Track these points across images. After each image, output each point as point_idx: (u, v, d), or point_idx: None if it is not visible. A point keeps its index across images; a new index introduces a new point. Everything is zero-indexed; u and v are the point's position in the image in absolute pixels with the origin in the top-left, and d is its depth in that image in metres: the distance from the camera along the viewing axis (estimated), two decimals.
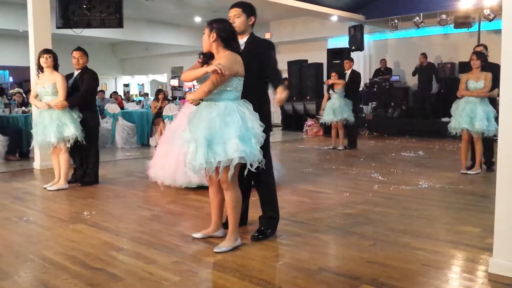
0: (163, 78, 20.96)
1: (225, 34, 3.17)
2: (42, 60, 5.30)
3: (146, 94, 18.03)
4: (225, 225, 3.48)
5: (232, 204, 3.24)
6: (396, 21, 11.59)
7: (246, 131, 3.04)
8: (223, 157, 3.00)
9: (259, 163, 3.11)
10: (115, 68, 21.38)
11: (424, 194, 5.08)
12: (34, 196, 5.20)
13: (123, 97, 16.33)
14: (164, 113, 9.82)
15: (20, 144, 7.84)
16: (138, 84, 22.00)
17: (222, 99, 3.11)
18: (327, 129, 10.62)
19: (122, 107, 10.86)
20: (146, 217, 4.23)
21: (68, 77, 5.58)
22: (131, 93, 19.73)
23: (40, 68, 5.35)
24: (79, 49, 5.68)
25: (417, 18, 11.22)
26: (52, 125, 5.17)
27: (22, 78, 20.73)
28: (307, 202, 4.74)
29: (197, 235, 3.47)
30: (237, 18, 3.39)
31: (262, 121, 3.19)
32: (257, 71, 3.39)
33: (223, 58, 3.08)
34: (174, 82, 19.79)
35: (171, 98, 12.85)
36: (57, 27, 7.07)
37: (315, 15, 11.68)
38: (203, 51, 3.25)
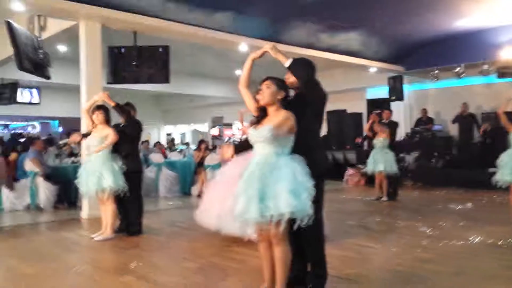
0: (203, 127, 21.46)
1: (287, 95, 3.29)
2: (94, 116, 5.56)
3: (187, 143, 18.41)
4: None
5: (282, 259, 3.20)
6: (436, 71, 11.56)
7: (297, 186, 3.05)
8: (274, 211, 3.01)
9: (311, 218, 3.09)
10: (158, 118, 22.10)
11: (476, 250, 4.86)
12: (82, 246, 5.32)
13: (165, 146, 16.72)
14: (206, 163, 9.98)
15: (69, 194, 8.11)
16: (181, 134, 22.56)
17: (273, 154, 3.15)
18: (369, 178, 10.46)
19: (165, 157, 11.13)
20: (192, 269, 4.23)
21: (115, 127, 5.80)
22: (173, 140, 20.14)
23: (92, 121, 5.61)
24: (126, 104, 5.95)
25: (458, 68, 11.15)
26: (93, 175, 5.35)
27: (71, 128, 21.74)
28: (353, 257, 4.63)
29: None
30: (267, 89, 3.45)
31: (315, 169, 3.20)
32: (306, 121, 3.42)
33: (285, 116, 3.18)
34: (214, 131, 20.23)
35: (211, 147, 13.08)
36: (108, 83, 7.45)
37: (354, 67, 11.81)
38: (261, 104, 3.30)
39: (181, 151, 15.21)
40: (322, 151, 3.65)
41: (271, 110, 3.28)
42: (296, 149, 3.25)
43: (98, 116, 5.53)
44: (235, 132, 20.75)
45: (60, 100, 18.62)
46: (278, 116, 3.20)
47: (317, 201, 3.37)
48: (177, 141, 21.64)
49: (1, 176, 7.74)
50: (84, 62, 7.03)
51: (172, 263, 4.52)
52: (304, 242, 3.53)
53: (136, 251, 5.01)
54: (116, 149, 5.63)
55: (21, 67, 5.76)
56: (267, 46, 3.41)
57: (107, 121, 5.60)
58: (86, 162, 5.58)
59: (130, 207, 5.75)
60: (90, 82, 7.01)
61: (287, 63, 3.37)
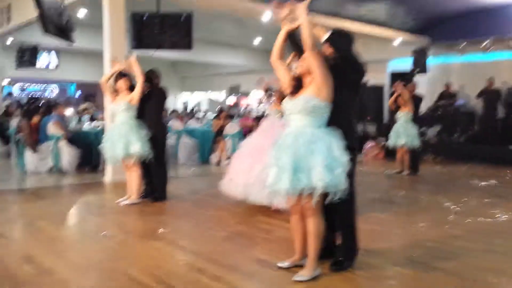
0: (220, 95, 21.36)
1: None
2: (119, 84, 5.51)
3: (205, 112, 18.37)
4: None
5: (315, 233, 3.18)
6: (463, 45, 11.24)
7: (332, 161, 2.99)
8: (306, 184, 2.97)
9: (345, 191, 3.05)
10: (175, 85, 22.02)
11: (505, 228, 4.81)
12: (109, 210, 5.36)
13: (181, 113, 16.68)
14: (225, 132, 9.95)
15: (90, 158, 8.16)
16: (196, 102, 22.49)
17: (309, 126, 3.09)
18: (388, 152, 10.35)
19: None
20: (219, 237, 4.24)
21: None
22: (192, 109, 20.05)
23: (115, 90, 5.56)
24: (150, 71, 5.88)
25: (486, 42, 10.83)
26: (120, 142, 5.34)
27: (88, 92, 21.80)
28: (380, 231, 4.60)
29: (284, 264, 3.41)
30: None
31: (349, 142, 3.15)
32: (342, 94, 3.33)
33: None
34: (231, 100, 20.13)
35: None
36: (131, 48, 7.36)
37: (376, 38, 11.48)
38: (298, 72, 3.25)
39: (198, 118, 15.21)
40: (355, 125, 3.57)
41: (307, 80, 3.19)
42: (331, 122, 3.18)
43: (122, 84, 5.48)
44: (252, 102, 20.64)
45: (78, 64, 18.61)
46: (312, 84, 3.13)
47: (351, 175, 3.34)
48: (190, 108, 21.63)
49: (25, 139, 7.78)
50: (108, 28, 6.94)
51: (200, 230, 4.53)
52: (336, 215, 3.50)
53: (162, 217, 5.05)
54: (141, 115, 5.60)
55: (46, 31, 5.69)
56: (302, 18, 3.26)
57: (131, 88, 5.55)
58: (112, 128, 5.56)
59: (155, 173, 5.76)
60: (113, 48, 6.92)
61: (325, 36, 3.25)
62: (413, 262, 3.67)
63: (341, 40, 3.36)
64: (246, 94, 20.54)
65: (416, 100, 8.99)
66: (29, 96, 21.35)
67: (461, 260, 3.72)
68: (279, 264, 3.41)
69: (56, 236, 4.20)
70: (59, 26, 5.82)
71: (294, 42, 3.38)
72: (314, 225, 3.17)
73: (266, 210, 5.09)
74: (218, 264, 3.48)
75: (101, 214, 5.12)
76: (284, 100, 3.28)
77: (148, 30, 7.32)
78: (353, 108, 3.51)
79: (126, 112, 5.43)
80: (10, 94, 20.49)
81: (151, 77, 5.72)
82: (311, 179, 2.96)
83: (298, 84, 3.22)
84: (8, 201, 5.85)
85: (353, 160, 3.35)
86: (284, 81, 3.32)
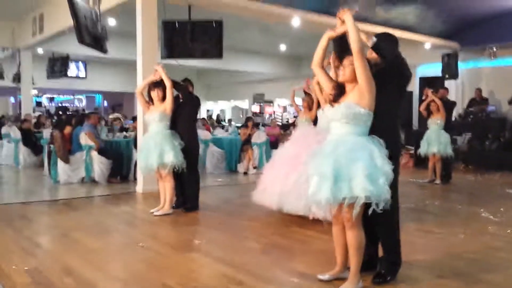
0: (244, 104, 21.39)
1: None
2: (153, 94, 5.53)
3: (230, 120, 18.42)
4: None
5: (355, 245, 3.11)
6: (494, 49, 11.00)
7: (374, 170, 2.93)
8: (348, 194, 2.91)
9: (388, 202, 2.98)
10: (200, 94, 22.16)
11: None
12: (143, 220, 5.37)
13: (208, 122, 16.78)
14: (253, 140, 9.93)
15: (121, 168, 8.23)
16: (220, 110, 22.61)
17: (350, 133, 3.03)
18: (418, 160, 10.15)
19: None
20: (256, 249, 4.21)
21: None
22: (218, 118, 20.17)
23: (150, 99, 5.59)
24: (184, 80, 5.91)
25: None
26: (154, 151, 5.35)
27: (115, 102, 22.16)
28: (420, 242, 4.49)
29: (324, 277, 3.34)
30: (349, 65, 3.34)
31: (393, 151, 3.08)
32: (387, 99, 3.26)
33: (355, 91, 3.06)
34: (255, 108, 20.16)
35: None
36: (162, 57, 7.42)
37: (404, 43, 11.34)
38: (341, 80, 3.21)
39: (223, 127, 15.26)
40: (399, 133, 3.51)
41: (349, 87, 3.14)
42: (375, 129, 3.12)
43: (158, 94, 5.50)
44: (276, 109, 20.64)
45: (105, 74, 18.92)
46: (355, 91, 3.08)
47: (393, 185, 3.26)
48: (215, 117, 21.76)
49: (57, 149, 7.90)
50: (140, 37, 7.00)
51: (234, 241, 4.50)
52: (378, 226, 3.42)
53: (197, 227, 5.04)
54: (175, 125, 5.63)
55: (82, 41, 5.79)
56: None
57: (164, 98, 5.58)
58: (146, 138, 5.59)
59: (187, 183, 5.76)
60: (146, 57, 6.98)
61: (371, 42, 3.20)
62: (456, 274, 3.56)
63: (386, 44, 3.30)
64: (270, 102, 20.54)
65: (449, 106, 8.81)
66: (58, 106, 21.83)
67: (505, 272, 3.61)
68: (320, 277, 3.34)
69: (93, 248, 4.22)
70: (93, 36, 5.91)
71: (339, 47, 3.32)
72: (354, 237, 3.10)
73: (300, 221, 5.03)
74: (255, 276, 3.43)
75: (135, 225, 5.14)
76: (325, 107, 3.24)
77: (179, 39, 7.39)
78: (397, 114, 3.45)
79: (160, 122, 5.45)
80: (39, 104, 20.99)
81: (185, 85, 5.75)
82: (352, 188, 2.90)
83: (340, 91, 3.17)
84: (42, 212, 5.93)
85: (395, 170, 3.28)
86: (325, 87, 3.28)
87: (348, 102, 3.06)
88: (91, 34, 5.91)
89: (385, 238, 3.44)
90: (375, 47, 3.25)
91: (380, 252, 3.50)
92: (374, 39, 3.24)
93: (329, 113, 3.16)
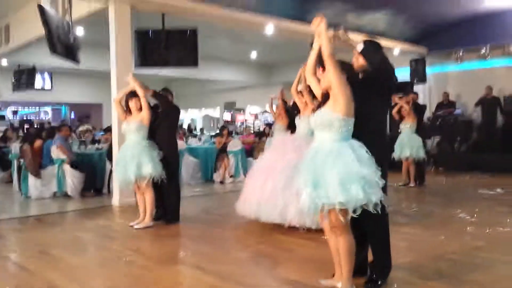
0: (215, 113, 21.30)
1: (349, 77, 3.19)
2: (131, 104, 5.42)
3: (202, 129, 18.29)
4: None
5: (346, 250, 3.11)
6: (461, 53, 11.34)
7: (348, 176, 2.89)
8: (325, 201, 2.90)
9: (376, 206, 2.98)
10: None
11: None
12: (123, 234, 5.23)
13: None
14: (228, 149, 9.88)
15: (95, 181, 8.02)
16: (191, 119, 22.42)
17: (328, 140, 3.04)
18: (391, 164, 10.31)
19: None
20: (242, 259, 4.16)
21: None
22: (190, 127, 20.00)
23: (127, 109, 5.48)
24: (164, 90, 5.84)
25: (484, 50, 10.94)
26: (132, 163, 5.24)
27: (83, 113, 21.65)
28: (403, 245, 4.52)
29: (326, 282, 3.33)
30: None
31: (377, 156, 3.08)
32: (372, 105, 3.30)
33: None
34: (227, 117, 20.10)
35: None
36: (136, 66, 7.30)
37: None
38: (322, 88, 3.23)
39: (195, 136, 15.11)
40: (384, 138, 3.54)
41: (332, 94, 3.15)
42: (358, 135, 3.13)
43: (136, 103, 5.40)
44: (248, 117, 20.64)
45: (73, 85, 18.49)
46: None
47: (382, 189, 3.29)
48: (186, 126, 21.58)
49: (28, 164, 7.64)
50: (114, 46, 6.87)
51: (220, 251, 4.43)
52: (368, 231, 3.43)
53: (180, 239, 4.95)
54: (154, 135, 5.53)
55: (54, 51, 5.62)
56: (339, 32, 3.24)
57: (141, 108, 5.48)
58: (123, 149, 5.46)
59: (168, 194, 5.66)
60: (120, 66, 6.85)
61: (359, 46, 3.23)
62: (443, 276, 3.61)
63: (373, 50, 3.33)
64: (241, 110, 20.53)
65: (420, 110, 9.01)
66: (22, 119, 21.15)
67: (489, 271, 3.68)
68: (322, 282, 3.33)
69: (75, 264, 4.08)
70: (66, 46, 5.76)
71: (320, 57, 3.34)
72: (344, 243, 3.10)
73: (282, 228, 5.01)
74: (245, 286, 3.39)
75: (115, 239, 5.00)
76: (311, 115, 3.25)
77: (153, 48, 7.29)
78: (383, 120, 3.48)
79: (137, 132, 5.35)
80: (2, 117, 20.27)
81: (165, 95, 5.67)
82: (329, 195, 2.89)
83: (325, 99, 3.18)
84: (15, 229, 5.70)
85: (383, 174, 3.31)
86: (318, 96, 3.28)
87: (323, 110, 3.08)
88: (63, 44, 5.75)
89: (376, 242, 3.45)
90: (363, 52, 3.28)
91: (370, 257, 3.51)
92: (362, 45, 3.27)
93: (311, 121, 3.18)
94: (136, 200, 5.62)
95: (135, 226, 5.37)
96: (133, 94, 5.43)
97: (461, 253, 4.24)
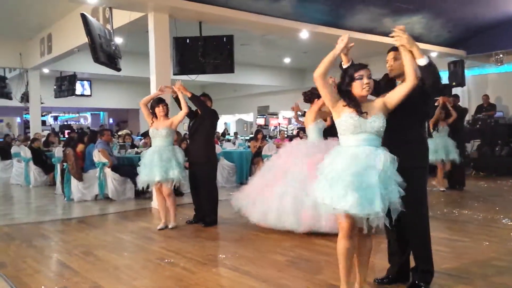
0: (249, 117, 21.42)
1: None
2: (158, 110, 5.56)
3: (236, 133, 18.43)
4: None
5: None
6: (501, 55, 11.03)
7: (386, 180, 2.85)
8: (370, 210, 2.81)
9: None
10: None
11: None
12: (163, 236, 5.33)
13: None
14: (263, 153, 9.92)
15: (135, 184, 8.19)
16: (224, 123, 22.63)
17: (363, 144, 2.95)
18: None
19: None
20: (282, 262, 4.17)
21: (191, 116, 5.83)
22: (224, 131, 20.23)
23: (154, 116, 5.61)
24: (203, 95, 5.95)
25: None
26: (160, 166, 5.38)
27: (120, 119, 22.22)
28: (446, 251, 4.44)
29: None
30: (395, 61, 3.33)
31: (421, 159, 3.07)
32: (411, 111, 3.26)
33: (377, 104, 3.06)
34: (260, 121, 20.18)
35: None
36: (174, 74, 7.45)
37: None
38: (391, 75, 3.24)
39: (229, 140, 15.25)
40: (422, 143, 3.45)
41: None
42: (398, 139, 3.12)
43: (164, 109, 5.55)
44: (281, 121, 20.66)
45: (110, 91, 19.02)
46: (377, 104, 3.05)
47: (424, 194, 3.29)
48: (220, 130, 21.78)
49: (71, 167, 7.90)
50: (153, 54, 7.04)
51: (259, 254, 4.46)
52: (411, 236, 3.39)
53: (219, 242, 5.02)
54: (193, 139, 5.67)
55: (97, 60, 5.82)
56: (403, 37, 3.01)
57: (168, 114, 5.65)
58: (150, 152, 5.57)
59: (206, 197, 5.76)
60: (159, 74, 7.02)
61: (423, 60, 3.02)
62: (490, 282, 3.53)
63: (433, 70, 3.12)
64: (275, 114, 20.57)
65: (461, 113, 8.82)
66: (62, 124, 21.88)
67: None
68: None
69: (119, 265, 4.20)
70: (108, 54, 5.95)
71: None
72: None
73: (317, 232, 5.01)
74: None
75: (156, 241, 5.11)
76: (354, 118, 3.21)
77: (190, 55, 7.42)
78: (424, 123, 3.46)
79: (166, 137, 5.50)
80: (43, 123, 21.01)
81: (204, 100, 5.78)
82: (374, 205, 2.78)
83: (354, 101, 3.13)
84: (60, 230, 5.90)
85: (424, 179, 3.31)
86: (326, 100, 3.10)
87: (378, 116, 2.99)
88: (105, 52, 5.95)
89: (418, 247, 3.41)
90: (425, 68, 3.06)
91: (412, 263, 3.47)
92: (426, 60, 3.04)
93: (360, 125, 3.06)
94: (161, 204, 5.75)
95: (170, 226, 5.55)
96: (160, 101, 5.58)
97: (505, 259, 4.13)
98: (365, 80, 2.99)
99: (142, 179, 5.56)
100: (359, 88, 2.99)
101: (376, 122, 2.96)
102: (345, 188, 2.78)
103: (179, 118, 5.55)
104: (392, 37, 3.05)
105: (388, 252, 3.59)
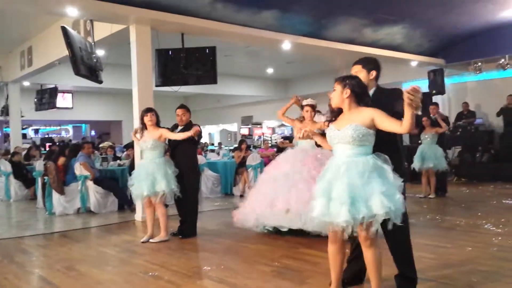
0: (232, 127, 21.41)
1: (359, 89, 3.16)
2: (146, 119, 5.50)
3: (220, 144, 18.40)
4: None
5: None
6: (479, 64, 11.27)
7: (389, 186, 2.95)
8: (366, 213, 2.90)
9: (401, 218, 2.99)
10: None
11: None
12: (147, 249, 5.26)
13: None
14: (247, 163, 9.93)
15: (117, 197, 8.11)
16: (208, 134, 22.58)
17: (359, 154, 3.04)
18: (412, 175, 10.22)
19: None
20: (268, 273, 4.15)
21: (173, 128, 5.79)
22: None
23: (143, 126, 5.56)
24: (182, 106, 5.88)
25: (503, 60, 10.87)
26: (147, 180, 5.35)
27: (102, 131, 21.99)
28: (430, 257, 4.48)
29: None
30: (358, 75, 3.38)
31: (398, 166, 3.11)
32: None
33: (360, 114, 3.09)
34: (244, 131, 20.20)
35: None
36: (156, 85, 7.42)
37: (394, 61, 11.53)
38: (332, 107, 3.27)
39: (213, 150, 15.20)
40: (402, 151, 3.51)
41: (345, 109, 3.18)
42: (381, 148, 3.15)
43: (152, 118, 5.50)
44: (265, 131, 20.71)
45: (92, 104, 18.85)
46: (360, 114, 3.10)
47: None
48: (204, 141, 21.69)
49: (52, 181, 7.78)
50: (135, 66, 7.01)
51: (245, 265, 4.44)
52: (393, 243, 3.41)
53: (203, 254, 4.97)
54: (175, 151, 5.62)
55: (78, 73, 5.77)
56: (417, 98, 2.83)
57: (158, 123, 5.58)
58: (139, 166, 5.56)
59: (189, 208, 5.72)
60: (141, 85, 6.98)
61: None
62: None
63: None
64: (259, 124, 20.62)
65: (445, 120, 8.98)
66: (44, 137, 21.57)
67: None
68: None
69: (103, 280, 4.13)
70: (89, 67, 5.90)
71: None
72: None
73: (307, 242, 5.04)
74: None
75: (140, 254, 5.04)
76: (329, 130, 3.26)
77: (173, 66, 7.40)
78: (395, 136, 3.48)
79: (152, 149, 5.44)
80: (24, 136, 20.68)
81: (184, 112, 5.76)
82: (371, 207, 2.88)
83: (337, 114, 3.25)
84: (41, 245, 5.79)
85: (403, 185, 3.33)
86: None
87: (354, 124, 3.06)
88: (86, 65, 5.90)
89: (400, 254, 3.42)
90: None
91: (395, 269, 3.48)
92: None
93: (335, 136, 3.14)
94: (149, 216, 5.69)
95: (151, 240, 5.47)
96: (148, 110, 5.54)
97: (489, 265, 4.17)
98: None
99: (133, 193, 5.54)
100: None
101: (348, 131, 3.04)
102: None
103: (169, 137, 5.50)
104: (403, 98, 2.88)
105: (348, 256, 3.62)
